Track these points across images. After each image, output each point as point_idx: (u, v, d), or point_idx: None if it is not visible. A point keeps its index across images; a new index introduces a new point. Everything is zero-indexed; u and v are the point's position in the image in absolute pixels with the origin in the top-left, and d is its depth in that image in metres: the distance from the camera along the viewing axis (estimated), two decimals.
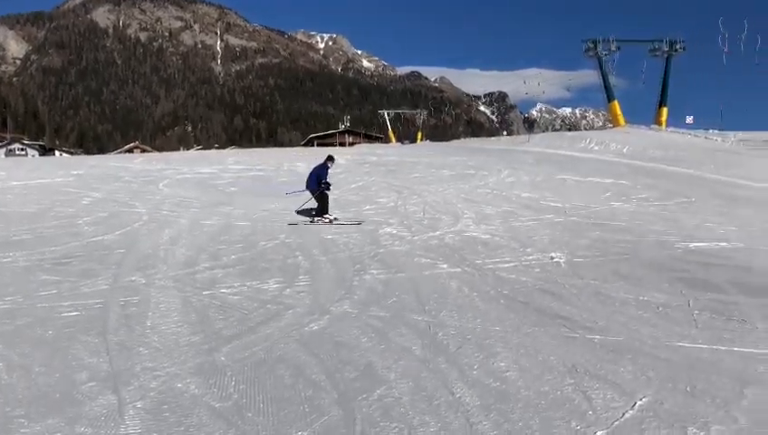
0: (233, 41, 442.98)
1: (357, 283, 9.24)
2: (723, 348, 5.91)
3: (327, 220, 15.55)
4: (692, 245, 12.69)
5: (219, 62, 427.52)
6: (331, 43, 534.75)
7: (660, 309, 7.59)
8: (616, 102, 62.43)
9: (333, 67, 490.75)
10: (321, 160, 16.55)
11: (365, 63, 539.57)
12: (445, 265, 10.55)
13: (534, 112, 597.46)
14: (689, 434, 4.00)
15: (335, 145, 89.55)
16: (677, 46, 61.45)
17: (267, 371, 5.39)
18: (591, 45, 61.97)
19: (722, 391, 4.75)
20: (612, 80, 63.19)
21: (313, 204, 16.02)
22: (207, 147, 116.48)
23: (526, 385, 4.92)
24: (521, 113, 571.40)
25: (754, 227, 15.13)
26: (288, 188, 18.22)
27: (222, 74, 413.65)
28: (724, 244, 12.81)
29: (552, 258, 11.23)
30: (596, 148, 38.53)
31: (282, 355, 5.81)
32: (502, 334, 6.48)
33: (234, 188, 21.45)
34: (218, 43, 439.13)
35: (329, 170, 16.39)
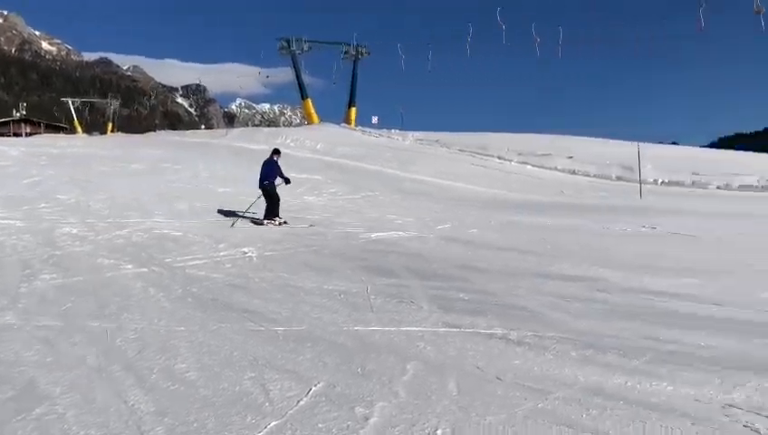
0: None
1: (25, 290, 8.25)
2: (393, 329, 6.44)
3: (277, 223, 14.84)
4: (373, 235, 13.71)
5: None
6: (1, 21, 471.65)
7: (342, 296, 8.03)
8: (309, 100, 65.12)
9: (6, 48, 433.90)
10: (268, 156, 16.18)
11: (45, 46, 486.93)
12: (130, 266, 9.94)
13: (234, 107, 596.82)
14: (357, 413, 4.26)
15: (9, 135, 79.22)
16: (363, 50, 66.20)
17: None
18: (285, 44, 63.81)
19: (388, 369, 5.16)
20: (306, 78, 65.79)
21: (255, 206, 15.67)
22: None
23: (206, 384, 4.82)
24: (220, 107, 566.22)
25: (427, 218, 16.89)
26: None
27: None
28: (402, 233, 14.08)
29: (245, 253, 11.27)
30: (292, 144, 39.74)
31: None
32: (186, 334, 6.28)
33: None
34: None
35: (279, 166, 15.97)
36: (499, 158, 35.97)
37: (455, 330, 6.42)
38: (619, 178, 28.51)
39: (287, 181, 15.82)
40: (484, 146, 39.01)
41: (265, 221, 14.88)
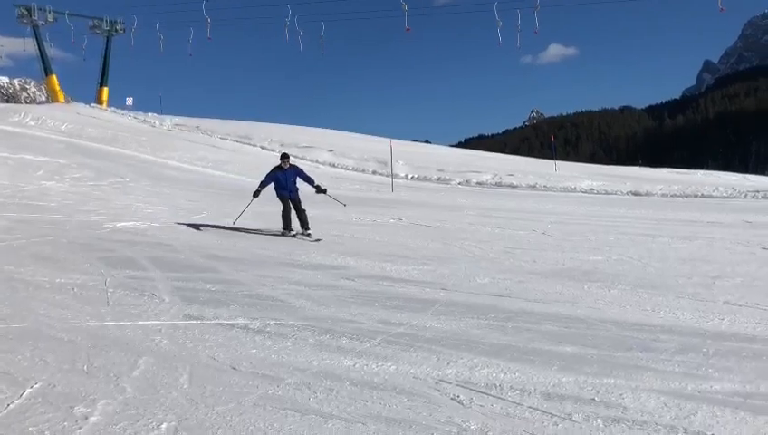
0: None
1: None
2: (128, 323, 6.13)
3: (291, 234, 12.41)
4: (120, 224, 12.92)
5: None
6: None
7: (75, 290, 7.47)
8: (54, 76, 59.41)
9: None
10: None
11: None
12: None
13: None
14: (75, 413, 3.99)
15: None
16: (117, 27, 61.73)
17: None
18: (25, 12, 57.22)
19: (117, 365, 4.90)
20: (51, 52, 59.89)
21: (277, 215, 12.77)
22: None
23: None
24: None
25: (179, 206, 16.30)
26: None
27: None
28: (151, 222, 13.43)
29: None
30: (32, 123, 35.97)
31: None
32: None
33: None
34: None
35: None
36: (262, 147, 35.89)
37: (195, 322, 6.29)
38: (374, 173, 29.93)
39: (320, 189, 12.84)
40: (248, 135, 38.67)
41: (307, 231, 12.23)
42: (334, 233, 12.59)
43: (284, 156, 12.80)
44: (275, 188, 12.50)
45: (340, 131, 47.21)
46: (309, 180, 12.57)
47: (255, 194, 12.59)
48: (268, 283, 8.21)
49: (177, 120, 43.87)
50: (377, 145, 35.66)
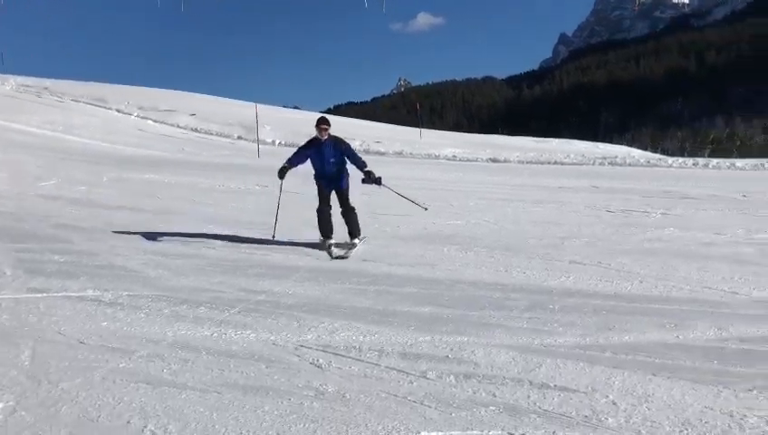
0: None
1: None
2: None
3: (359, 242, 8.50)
4: None
5: None
6: None
7: None
8: None
9: None
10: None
11: None
12: None
13: None
14: None
15: None
16: None
17: None
18: None
19: None
20: None
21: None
22: None
23: None
24: None
25: (28, 173, 15.13)
26: None
27: None
28: None
29: None
30: None
31: None
32: None
33: None
34: None
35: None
36: (118, 111, 33.90)
37: (40, 295, 5.89)
38: (240, 138, 29.19)
39: (372, 177, 8.38)
40: (102, 97, 36.32)
41: (356, 240, 8.44)
42: (197, 200, 12.18)
43: (321, 121, 8.35)
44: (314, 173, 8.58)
45: (203, 95, 45.53)
46: (357, 161, 8.36)
47: (281, 173, 8.40)
48: (123, 253, 7.83)
49: (23, 80, 40.42)
50: (242, 110, 34.71)
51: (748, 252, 7.55)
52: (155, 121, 32.29)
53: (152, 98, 37.39)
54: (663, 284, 6.14)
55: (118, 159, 19.91)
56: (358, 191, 8.87)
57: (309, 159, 8.34)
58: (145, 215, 10.59)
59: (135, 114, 33.35)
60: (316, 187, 8.53)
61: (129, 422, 3.43)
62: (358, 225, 8.46)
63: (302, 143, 8.64)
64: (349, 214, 8.39)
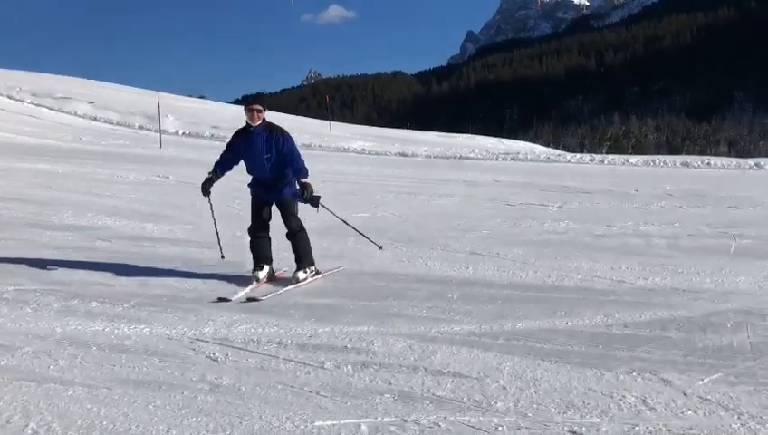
0: None
1: None
2: None
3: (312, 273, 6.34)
4: None
5: None
6: None
7: None
8: None
9: None
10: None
11: None
12: None
13: None
14: None
15: None
16: None
17: None
18: None
19: None
20: None
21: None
22: None
23: None
24: None
25: None
26: None
27: None
28: None
29: None
30: None
31: None
32: None
33: None
34: None
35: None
36: (9, 97, 32.02)
37: None
38: (141, 128, 28.23)
39: (306, 195, 6.25)
40: None
41: (302, 274, 6.23)
42: (94, 192, 11.70)
43: (251, 103, 6.24)
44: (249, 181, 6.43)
45: (103, 82, 43.70)
46: (294, 163, 6.18)
47: (205, 188, 6.36)
48: (11, 245, 7.44)
49: None
50: (144, 98, 33.56)
51: (636, 243, 7.99)
52: (50, 109, 30.73)
53: (46, 83, 35.61)
54: (556, 273, 6.40)
55: (8, 148, 18.83)
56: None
57: (240, 157, 6.31)
58: (36, 206, 10.09)
59: (28, 101, 31.62)
60: (251, 197, 6.36)
61: (9, 422, 3.26)
62: (308, 251, 6.27)
63: (230, 137, 6.49)
64: (294, 235, 6.21)
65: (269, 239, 6.29)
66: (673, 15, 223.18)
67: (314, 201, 6.20)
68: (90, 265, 6.66)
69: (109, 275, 6.29)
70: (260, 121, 6.14)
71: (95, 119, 29.64)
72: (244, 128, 6.22)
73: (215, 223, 6.65)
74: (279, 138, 6.12)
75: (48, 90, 33.27)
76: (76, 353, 4.21)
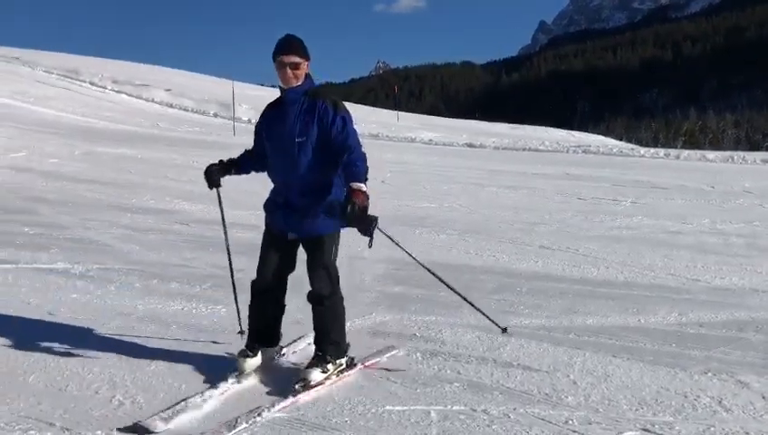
0: None
1: None
2: None
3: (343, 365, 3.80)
4: None
5: None
6: None
7: None
8: None
9: None
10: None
11: None
12: None
13: None
14: None
15: None
16: None
17: None
18: None
19: None
20: None
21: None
22: None
23: None
24: None
25: None
26: None
27: None
28: None
29: None
30: None
31: None
32: None
33: None
34: None
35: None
36: (92, 84, 33.33)
37: (8, 266, 5.86)
38: (216, 115, 28.90)
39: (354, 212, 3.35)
40: (75, 69, 35.68)
41: (317, 374, 3.60)
42: (170, 177, 12.10)
43: (283, 49, 3.62)
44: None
45: (179, 70, 44.97)
46: (351, 157, 3.52)
47: (210, 178, 4.33)
48: (94, 226, 7.79)
49: None
50: (219, 87, 34.32)
51: (712, 241, 7.73)
52: (129, 96, 31.84)
53: (127, 71, 36.89)
54: (628, 270, 6.28)
55: (90, 133, 19.65)
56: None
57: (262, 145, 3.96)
58: (117, 189, 10.52)
59: (109, 87, 32.84)
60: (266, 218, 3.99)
61: (97, 392, 3.47)
62: (338, 331, 3.83)
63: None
64: (321, 301, 3.74)
65: (281, 306, 3.95)
66: (758, 5, 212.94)
67: (365, 224, 3.42)
68: (168, 246, 6.93)
69: (187, 256, 6.53)
70: (298, 82, 3.65)
71: (171, 106, 30.51)
72: (278, 101, 3.82)
73: (228, 249, 4.52)
74: (327, 109, 3.61)
75: (128, 77, 34.44)
76: (158, 331, 4.41)
